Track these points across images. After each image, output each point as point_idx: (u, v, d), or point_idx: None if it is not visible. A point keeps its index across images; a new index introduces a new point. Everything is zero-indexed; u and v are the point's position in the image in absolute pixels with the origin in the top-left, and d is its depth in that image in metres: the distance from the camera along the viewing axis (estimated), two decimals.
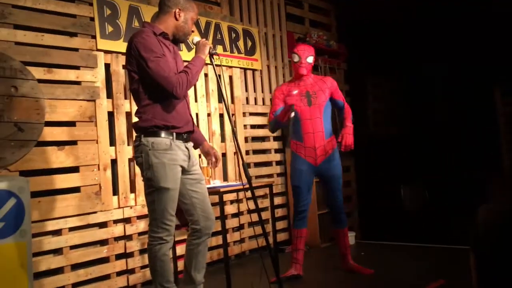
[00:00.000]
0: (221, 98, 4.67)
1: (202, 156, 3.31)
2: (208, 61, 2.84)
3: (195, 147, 2.94)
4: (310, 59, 3.76)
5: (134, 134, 3.81)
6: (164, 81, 2.55)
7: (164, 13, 2.75)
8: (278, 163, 5.25)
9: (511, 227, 1.32)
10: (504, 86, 5.84)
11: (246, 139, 4.88)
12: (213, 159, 2.99)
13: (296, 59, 3.76)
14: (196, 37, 2.91)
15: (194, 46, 2.83)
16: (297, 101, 3.68)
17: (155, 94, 2.62)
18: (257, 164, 5.02)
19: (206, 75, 4.50)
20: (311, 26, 5.87)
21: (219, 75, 2.87)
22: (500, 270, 1.32)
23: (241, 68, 4.90)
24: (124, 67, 3.87)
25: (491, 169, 5.47)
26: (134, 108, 3.85)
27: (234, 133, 2.80)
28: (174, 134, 2.66)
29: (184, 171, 2.72)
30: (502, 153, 5.55)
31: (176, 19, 2.74)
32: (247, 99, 4.99)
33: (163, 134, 2.62)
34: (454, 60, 5.87)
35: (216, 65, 2.84)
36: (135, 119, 2.73)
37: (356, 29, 6.12)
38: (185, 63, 2.78)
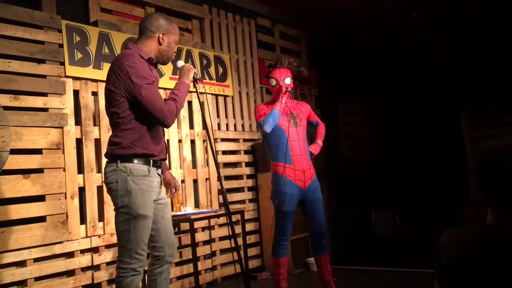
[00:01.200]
0: (192, 124, 4.67)
1: None
2: (191, 87, 2.81)
3: None
4: (288, 80, 3.72)
5: (104, 159, 3.79)
6: (156, 111, 2.52)
7: (147, 38, 2.70)
8: (250, 189, 5.24)
9: (473, 253, 1.33)
10: (470, 111, 6.00)
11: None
12: (173, 190, 2.95)
13: (273, 83, 3.74)
14: (180, 61, 2.89)
15: (179, 70, 2.82)
16: (284, 121, 3.65)
17: (140, 120, 2.57)
18: (229, 190, 5.00)
19: None
20: (282, 53, 5.96)
21: (202, 102, 2.85)
22: None
23: (212, 94, 4.91)
24: (94, 93, 3.85)
25: (460, 192, 5.57)
26: (103, 134, 3.83)
27: (216, 160, 2.78)
28: (151, 161, 2.62)
29: (156, 197, 2.67)
30: (470, 178, 5.66)
31: (160, 44, 2.71)
32: (218, 125, 4.99)
33: (141, 161, 2.57)
34: (424, 86, 6.02)
35: (200, 93, 2.83)
36: (110, 143, 2.63)
37: (327, 55, 6.23)
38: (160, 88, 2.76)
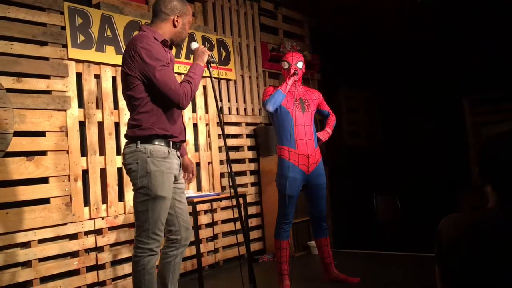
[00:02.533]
0: (195, 108, 4.67)
1: None
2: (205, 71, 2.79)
3: None
4: (300, 64, 3.76)
5: (108, 142, 3.81)
6: (171, 93, 2.52)
7: (162, 20, 2.68)
8: (252, 172, 5.26)
9: (474, 238, 1.35)
10: (472, 97, 5.98)
11: (220, 149, 4.87)
12: (190, 175, 2.96)
13: (285, 66, 3.77)
14: (194, 43, 2.86)
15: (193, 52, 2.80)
16: (292, 104, 3.67)
17: (156, 102, 2.57)
18: None
19: None
20: (285, 36, 5.93)
21: (218, 80, 2.82)
22: (465, 281, 1.34)
23: (214, 77, 4.88)
24: (96, 76, 3.85)
25: (461, 177, 5.58)
26: (106, 117, 3.84)
27: (225, 144, 2.77)
28: (171, 142, 2.63)
29: (174, 180, 2.69)
30: (471, 164, 5.68)
31: (175, 26, 2.69)
32: (221, 108, 4.98)
33: (161, 143, 2.58)
34: (427, 72, 6.00)
35: (214, 78, 2.80)
36: (130, 125, 2.62)
37: (330, 40, 6.20)
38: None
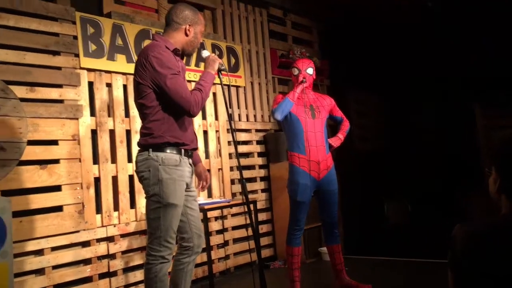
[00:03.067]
0: (205, 115, 4.70)
1: None
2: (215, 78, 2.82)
3: None
4: (310, 71, 3.77)
5: (119, 150, 3.84)
6: (182, 101, 2.54)
7: (173, 30, 2.71)
8: (262, 179, 5.27)
9: (488, 243, 1.35)
10: (483, 100, 5.95)
11: (230, 155, 4.89)
12: (204, 183, 2.99)
13: (295, 72, 3.77)
14: (205, 51, 2.89)
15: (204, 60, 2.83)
16: (302, 111, 3.68)
17: (167, 111, 2.59)
18: None
19: None
20: (294, 42, 5.95)
21: (228, 87, 2.85)
22: (477, 287, 1.34)
23: (225, 84, 4.91)
24: (108, 84, 3.89)
25: (472, 182, 5.54)
26: (118, 125, 3.88)
27: (236, 151, 2.81)
28: (183, 150, 2.65)
29: (186, 187, 2.71)
30: (483, 167, 5.64)
31: (186, 35, 2.72)
32: (230, 115, 5.00)
33: (173, 150, 2.61)
34: (438, 75, 5.97)
35: (225, 85, 2.81)
36: (142, 134, 2.66)
37: (338, 46, 6.21)
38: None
